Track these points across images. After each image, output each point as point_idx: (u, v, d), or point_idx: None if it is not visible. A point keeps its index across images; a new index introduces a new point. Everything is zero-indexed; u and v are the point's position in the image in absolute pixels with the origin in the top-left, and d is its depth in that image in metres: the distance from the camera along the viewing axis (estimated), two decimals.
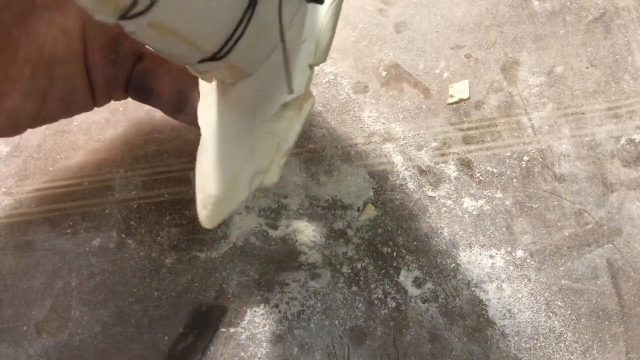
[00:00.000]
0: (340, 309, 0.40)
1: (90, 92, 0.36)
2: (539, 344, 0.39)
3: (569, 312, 0.40)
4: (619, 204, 0.42)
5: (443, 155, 0.43)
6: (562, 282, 0.40)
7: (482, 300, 0.40)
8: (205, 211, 0.32)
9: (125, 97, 0.38)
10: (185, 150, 0.44)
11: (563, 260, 0.41)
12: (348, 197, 0.42)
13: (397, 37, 0.46)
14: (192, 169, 0.43)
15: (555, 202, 0.42)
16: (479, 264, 0.41)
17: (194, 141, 0.44)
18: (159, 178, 0.43)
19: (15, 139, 0.44)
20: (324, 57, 0.29)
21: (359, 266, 0.41)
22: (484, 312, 0.40)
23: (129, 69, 0.37)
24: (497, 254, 0.41)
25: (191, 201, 0.42)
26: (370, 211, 0.42)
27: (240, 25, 0.26)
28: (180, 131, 0.44)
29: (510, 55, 0.46)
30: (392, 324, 0.40)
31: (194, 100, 0.36)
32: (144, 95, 0.38)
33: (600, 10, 0.47)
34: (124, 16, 0.22)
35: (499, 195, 0.42)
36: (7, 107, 0.33)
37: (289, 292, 0.40)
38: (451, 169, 0.43)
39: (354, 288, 0.40)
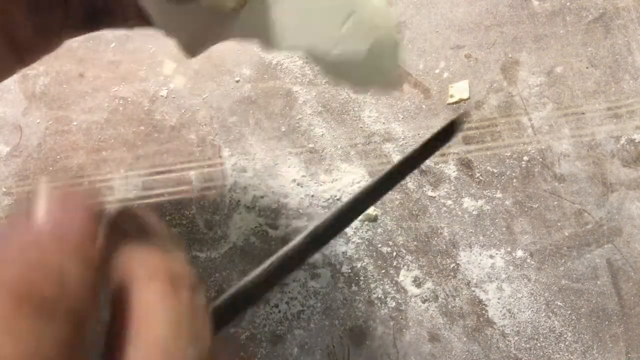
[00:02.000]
0: (340, 309, 0.40)
1: (12, 49, 0.27)
2: (539, 344, 0.39)
3: (569, 312, 0.40)
4: (619, 204, 0.42)
5: (443, 155, 0.43)
6: (562, 282, 0.40)
7: (482, 300, 0.40)
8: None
9: (60, 43, 0.28)
10: (185, 150, 0.44)
11: (563, 260, 0.41)
12: (348, 197, 0.42)
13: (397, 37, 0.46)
14: (192, 169, 0.43)
15: (555, 202, 0.42)
16: (479, 264, 0.41)
17: (194, 141, 0.44)
18: (159, 178, 0.43)
19: (16, 139, 0.44)
20: None
21: (358, 266, 0.41)
22: (484, 312, 0.40)
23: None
24: (497, 254, 0.41)
25: (191, 201, 0.42)
26: (370, 211, 0.42)
27: None
28: (180, 131, 0.44)
29: (510, 55, 0.46)
30: (392, 323, 0.40)
31: None
32: (100, 21, 0.29)
33: (600, 10, 0.47)
34: None
35: (499, 195, 0.42)
36: None
37: (289, 292, 0.40)
38: (451, 169, 0.43)
39: (354, 288, 0.40)
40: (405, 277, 0.40)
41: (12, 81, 0.45)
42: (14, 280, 0.13)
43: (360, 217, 0.42)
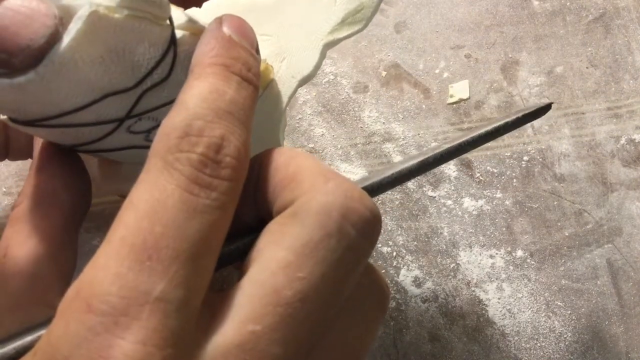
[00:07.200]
0: None
1: None
2: (539, 344, 0.39)
3: (569, 312, 0.40)
4: (619, 204, 0.42)
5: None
6: (562, 282, 0.40)
7: (482, 300, 0.40)
8: None
9: None
10: None
11: (563, 260, 0.41)
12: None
13: (397, 37, 0.46)
14: None
15: (555, 202, 0.42)
16: (479, 264, 0.41)
17: None
18: None
19: None
20: None
21: None
22: (484, 312, 0.40)
23: None
24: (497, 254, 0.41)
25: None
26: None
27: None
28: None
29: (510, 55, 0.46)
30: (392, 324, 0.40)
31: None
32: None
33: (600, 10, 0.47)
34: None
35: (499, 195, 0.42)
36: None
37: None
38: (451, 169, 0.43)
39: None
40: (405, 277, 0.40)
41: None
42: (224, 57, 0.20)
43: None
